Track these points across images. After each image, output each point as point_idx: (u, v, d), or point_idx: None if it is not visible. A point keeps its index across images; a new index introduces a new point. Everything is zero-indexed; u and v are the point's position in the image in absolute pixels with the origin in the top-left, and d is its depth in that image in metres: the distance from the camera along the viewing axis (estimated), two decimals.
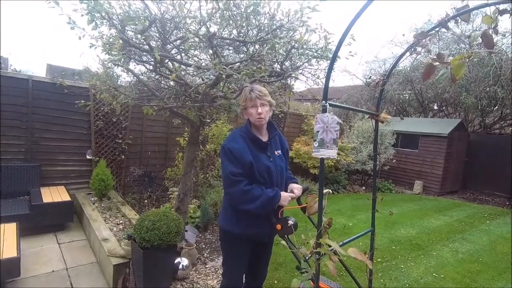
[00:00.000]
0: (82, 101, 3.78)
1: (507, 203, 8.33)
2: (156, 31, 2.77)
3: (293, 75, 3.15)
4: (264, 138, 1.98)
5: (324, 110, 1.22)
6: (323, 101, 1.20)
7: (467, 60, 1.18)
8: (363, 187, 8.70)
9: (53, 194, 4.29)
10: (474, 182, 9.62)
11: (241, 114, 3.03)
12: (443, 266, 3.84)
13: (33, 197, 4.10)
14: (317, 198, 1.44)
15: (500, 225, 5.97)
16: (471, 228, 5.65)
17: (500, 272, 3.79)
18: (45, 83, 4.66)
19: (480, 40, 1.22)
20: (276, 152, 2.02)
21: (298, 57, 3.04)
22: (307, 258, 1.69)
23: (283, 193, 1.87)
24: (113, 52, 2.65)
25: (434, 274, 3.61)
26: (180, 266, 3.03)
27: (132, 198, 5.38)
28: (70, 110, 4.83)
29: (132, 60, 2.95)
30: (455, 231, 5.34)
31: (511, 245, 4.76)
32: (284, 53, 2.87)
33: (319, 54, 2.91)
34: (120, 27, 2.55)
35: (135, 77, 3.19)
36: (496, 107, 10.07)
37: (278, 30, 2.76)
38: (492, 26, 1.13)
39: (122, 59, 2.67)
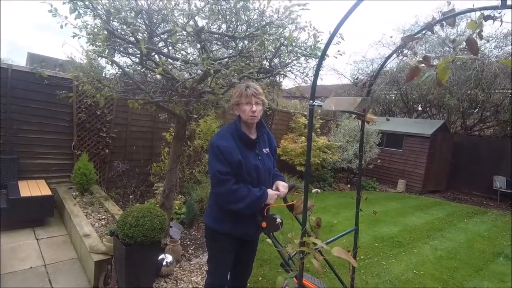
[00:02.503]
0: (64, 92, 3.65)
1: (485, 202, 8.66)
2: (143, 23, 2.70)
3: (281, 72, 3.14)
4: (253, 136, 1.96)
5: (311, 110, 1.22)
6: (311, 101, 1.20)
7: (451, 63, 1.20)
8: (348, 185, 8.84)
9: (32, 188, 4.15)
10: (454, 182, 9.95)
11: (229, 109, 3.00)
12: (423, 263, 3.96)
13: (11, 191, 3.95)
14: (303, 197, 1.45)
15: (477, 224, 6.20)
16: (450, 226, 5.84)
17: (476, 269, 3.94)
18: (25, 73, 4.48)
19: (464, 44, 1.25)
20: (264, 150, 2.00)
21: (287, 54, 3.02)
22: (291, 256, 1.70)
23: (269, 191, 1.86)
24: (97, 43, 2.57)
25: (414, 270, 3.71)
26: (164, 263, 3.00)
27: (115, 193, 5.27)
28: (51, 102, 4.66)
29: (117, 52, 2.86)
30: (435, 229, 5.51)
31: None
32: (273, 50, 2.85)
33: (308, 52, 2.90)
34: (105, 18, 2.47)
35: (120, 70, 3.10)
36: (477, 109, 10.42)
37: (267, 26, 2.74)
38: (477, 32, 1.15)
39: (107, 51, 2.60)
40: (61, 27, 2.45)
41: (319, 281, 2.28)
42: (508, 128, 9.99)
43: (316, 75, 1.27)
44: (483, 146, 9.63)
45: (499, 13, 1.11)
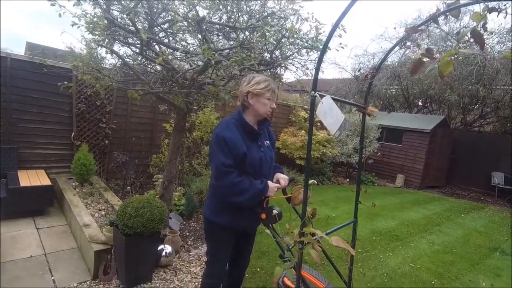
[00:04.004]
0: (65, 83, 3.62)
1: (482, 198, 8.71)
2: (143, 12, 2.67)
3: (282, 64, 3.12)
4: (255, 127, 1.95)
5: (313, 100, 1.21)
6: (312, 91, 1.19)
7: (454, 57, 1.19)
8: (347, 179, 8.87)
9: (32, 178, 4.15)
10: (453, 177, 9.98)
11: (229, 101, 2.99)
12: (420, 257, 4.00)
13: (10, 180, 3.96)
14: (302, 189, 1.45)
15: (474, 219, 6.24)
16: (447, 221, 5.88)
17: (472, 264, 3.98)
18: (24, 62, 4.45)
19: (467, 37, 1.24)
20: (265, 143, 2.00)
21: (288, 46, 3.00)
22: (290, 247, 1.71)
23: (270, 184, 1.86)
24: (96, 32, 2.54)
25: (411, 264, 3.75)
26: (163, 253, 3.02)
27: (115, 184, 5.28)
28: (50, 91, 4.64)
29: (117, 41, 2.83)
30: (432, 224, 5.55)
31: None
32: (274, 42, 2.83)
33: (309, 44, 2.88)
34: (105, 6, 2.44)
35: (120, 60, 3.08)
36: (477, 105, 10.39)
37: (269, 17, 2.71)
38: (481, 24, 1.14)
39: (106, 40, 2.57)
40: (60, 15, 2.42)
41: (317, 272, 2.30)
42: (508, 124, 9.98)
43: (318, 66, 1.26)
44: (483, 142, 9.63)
45: (504, 5, 1.10)
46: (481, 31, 1.13)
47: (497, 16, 1.14)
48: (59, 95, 4.69)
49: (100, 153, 5.29)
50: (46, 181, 4.12)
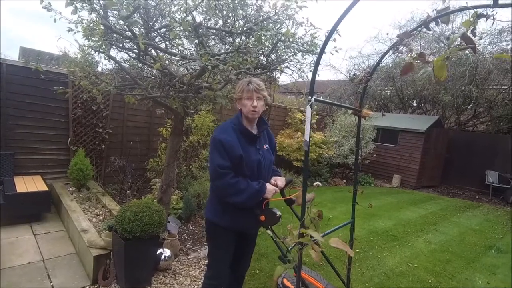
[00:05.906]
0: (61, 88, 3.61)
1: (477, 197, 8.81)
2: (140, 18, 2.69)
3: (278, 68, 3.16)
4: (254, 131, 1.98)
5: (310, 105, 1.24)
6: (309, 96, 1.23)
7: (446, 60, 1.23)
8: (344, 180, 8.91)
9: (28, 184, 4.13)
10: (448, 177, 10.08)
11: (226, 105, 3.02)
12: (417, 256, 4.04)
13: (7, 186, 3.94)
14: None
15: (469, 218, 6.32)
16: (443, 220, 5.94)
17: (468, 262, 4.03)
18: (19, 68, 4.44)
19: (458, 41, 1.28)
20: (264, 146, 2.03)
21: (284, 50, 3.04)
22: (289, 248, 1.74)
23: (268, 186, 1.90)
24: (93, 38, 2.55)
25: (408, 263, 3.79)
26: (162, 257, 3.03)
27: (112, 188, 5.27)
28: (46, 97, 4.63)
29: (113, 47, 2.85)
30: (429, 223, 5.61)
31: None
32: (270, 46, 2.87)
33: (305, 48, 2.93)
34: (102, 13, 2.45)
35: (116, 64, 3.09)
36: (470, 105, 10.53)
37: (264, 22, 2.75)
38: (471, 29, 1.18)
39: (103, 46, 2.59)
40: (55, 20, 2.44)
41: (316, 273, 2.33)
42: (501, 123, 10.12)
43: (314, 71, 1.30)
44: (476, 142, 9.76)
45: (492, 12, 1.14)
46: (470, 36, 1.17)
47: (485, 22, 1.18)
48: (55, 100, 4.68)
49: (97, 158, 5.28)
50: (43, 187, 4.10)
